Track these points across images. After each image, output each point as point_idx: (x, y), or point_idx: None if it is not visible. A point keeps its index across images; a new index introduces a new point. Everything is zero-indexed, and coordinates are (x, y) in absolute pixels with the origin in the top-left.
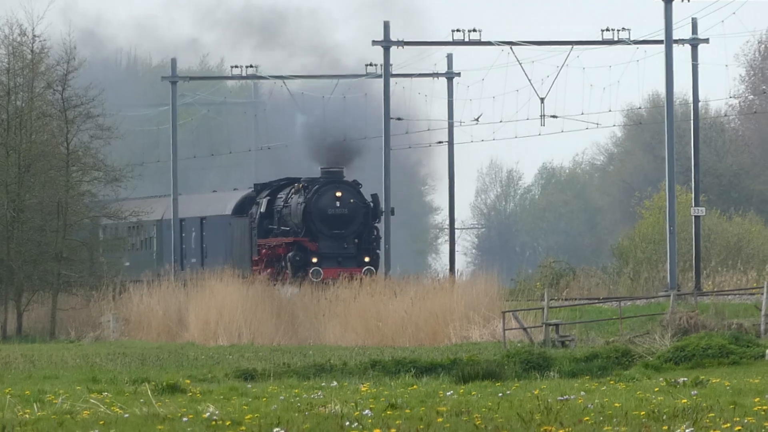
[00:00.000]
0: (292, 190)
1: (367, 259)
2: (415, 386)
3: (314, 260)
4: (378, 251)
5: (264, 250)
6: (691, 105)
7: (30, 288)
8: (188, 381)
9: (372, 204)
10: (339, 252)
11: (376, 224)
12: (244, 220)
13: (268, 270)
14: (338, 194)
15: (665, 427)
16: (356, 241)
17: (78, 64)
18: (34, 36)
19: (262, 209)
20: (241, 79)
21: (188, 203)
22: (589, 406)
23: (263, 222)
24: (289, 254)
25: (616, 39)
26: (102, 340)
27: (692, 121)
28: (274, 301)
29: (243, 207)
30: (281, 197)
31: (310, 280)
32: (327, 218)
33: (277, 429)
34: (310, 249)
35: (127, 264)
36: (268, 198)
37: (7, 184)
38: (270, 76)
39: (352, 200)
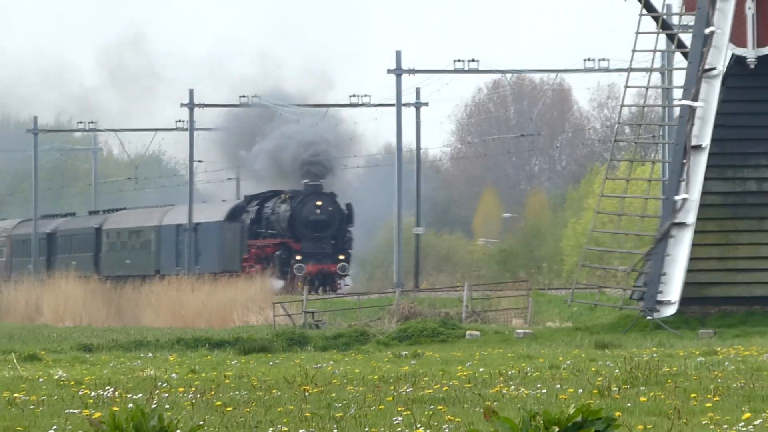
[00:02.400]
0: (279, 200)
1: (341, 257)
2: (209, 357)
3: (298, 258)
4: (350, 251)
5: (253, 250)
6: (415, 151)
7: None
8: (43, 352)
9: (346, 212)
10: (318, 251)
11: (349, 228)
12: (236, 225)
13: (257, 266)
14: (318, 203)
15: (392, 387)
16: (332, 242)
17: None
18: None
19: (253, 216)
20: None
21: (183, 212)
22: (336, 372)
23: (253, 226)
24: (277, 253)
25: (360, 103)
26: None
27: (416, 164)
28: (105, 294)
29: (234, 214)
30: (269, 206)
31: (293, 273)
32: (309, 223)
33: (108, 387)
34: (294, 248)
35: (128, 262)
36: (258, 207)
37: None
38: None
39: (330, 208)
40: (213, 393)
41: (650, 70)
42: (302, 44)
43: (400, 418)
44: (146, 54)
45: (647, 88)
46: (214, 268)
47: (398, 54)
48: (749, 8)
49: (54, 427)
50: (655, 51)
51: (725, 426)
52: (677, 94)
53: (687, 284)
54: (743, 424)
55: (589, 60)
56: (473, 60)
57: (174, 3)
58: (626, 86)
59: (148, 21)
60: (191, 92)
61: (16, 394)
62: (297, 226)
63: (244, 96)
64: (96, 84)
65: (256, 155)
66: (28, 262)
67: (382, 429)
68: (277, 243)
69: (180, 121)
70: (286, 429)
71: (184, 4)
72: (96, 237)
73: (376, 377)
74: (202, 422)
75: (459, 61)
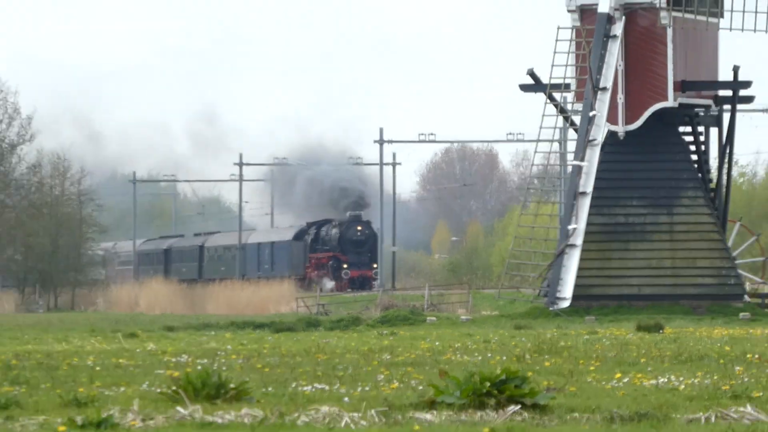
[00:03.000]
0: (331, 225)
1: (375, 266)
2: (252, 334)
3: (345, 266)
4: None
5: (314, 261)
6: (392, 195)
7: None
8: (140, 331)
9: (377, 234)
10: (359, 261)
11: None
12: (301, 243)
13: (316, 272)
14: (359, 228)
15: (376, 355)
16: (369, 254)
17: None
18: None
19: (312, 236)
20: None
21: (261, 234)
22: (339, 345)
23: (313, 244)
24: (330, 263)
25: (354, 162)
26: (96, 311)
27: (393, 204)
28: (183, 291)
29: (299, 236)
30: (324, 230)
31: (342, 277)
32: (353, 242)
33: (183, 355)
34: (342, 259)
35: (223, 269)
36: (315, 230)
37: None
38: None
39: (366, 231)
40: (255, 359)
41: (552, 140)
42: (329, 118)
43: (381, 376)
44: (216, 126)
45: (549, 153)
46: (285, 274)
47: (381, 130)
48: (620, 98)
49: (146, 383)
50: (555, 127)
51: (603, 382)
52: (570, 157)
53: (577, 286)
54: (615, 381)
55: (510, 133)
56: (432, 133)
57: (241, 83)
58: (536, 152)
59: (220, 98)
60: (240, 156)
61: (121, 360)
62: (345, 243)
63: (277, 158)
64: (180, 148)
65: (299, 195)
66: (149, 270)
67: (369, 383)
68: (330, 255)
69: (233, 174)
70: (305, 383)
71: (248, 85)
72: (200, 251)
73: (366, 348)
74: (247, 379)
75: (422, 134)
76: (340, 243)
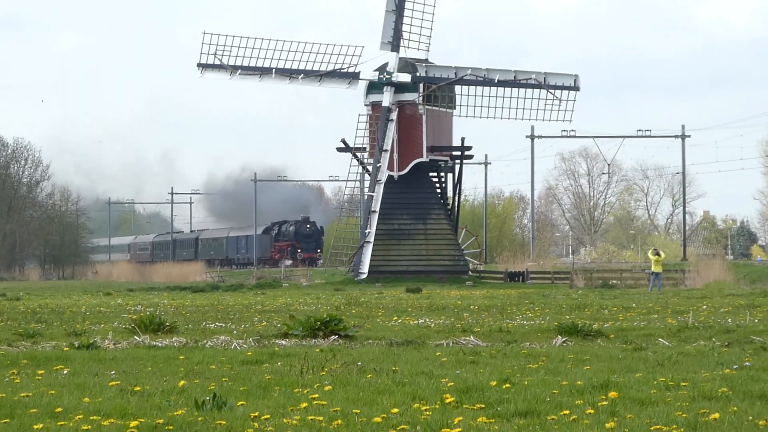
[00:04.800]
0: (289, 224)
1: (319, 251)
2: (179, 293)
3: (299, 251)
4: (322, 247)
5: (277, 247)
6: None
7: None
8: (113, 291)
9: (321, 229)
10: (308, 247)
11: (322, 238)
12: (268, 236)
13: (279, 255)
14: (308, 226)
15: (252, 306)
16: (315, 243)
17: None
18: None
19: (276, 231)
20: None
21: (240, 230)
22: (232, 301)
23: (276, 236)
24: (288, 249)
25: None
26: (87, 279)
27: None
28: (149, 269)
29: (266, 231)
30: (284, 227)
31: (297, 258)
32: (304, 235)
33: (139, 305)
34: (297, 246)
35: (212, 253)
36: (278, 227)
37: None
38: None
39: (313, 228)
40: (181, 308)
41: (355, 180)
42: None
43: (256, 319)
44: (167, 167)
45: (354, 188)
46: (257, 256)
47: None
48: (395, 156)
49: (116, 322)
50: (357, 173)
51: (386, 322)
52: (366, 190)
53: (371, 265)
54: (393, 321)
55: (331, 175)
56: (285, 175)
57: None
58: (346, 186)
59: (178, 145)
60: (172, 188)
61: (101, 309)
62: (299, 236)
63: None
64: (140, 182)
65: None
66: (161, 254)
67: (248, 323)
68: (289, 244)
69: (174, 193)
70: (210, 322)
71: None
72: (196, 241)
73: (246, 302)
74: (176, 320)
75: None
76: (295, 236)
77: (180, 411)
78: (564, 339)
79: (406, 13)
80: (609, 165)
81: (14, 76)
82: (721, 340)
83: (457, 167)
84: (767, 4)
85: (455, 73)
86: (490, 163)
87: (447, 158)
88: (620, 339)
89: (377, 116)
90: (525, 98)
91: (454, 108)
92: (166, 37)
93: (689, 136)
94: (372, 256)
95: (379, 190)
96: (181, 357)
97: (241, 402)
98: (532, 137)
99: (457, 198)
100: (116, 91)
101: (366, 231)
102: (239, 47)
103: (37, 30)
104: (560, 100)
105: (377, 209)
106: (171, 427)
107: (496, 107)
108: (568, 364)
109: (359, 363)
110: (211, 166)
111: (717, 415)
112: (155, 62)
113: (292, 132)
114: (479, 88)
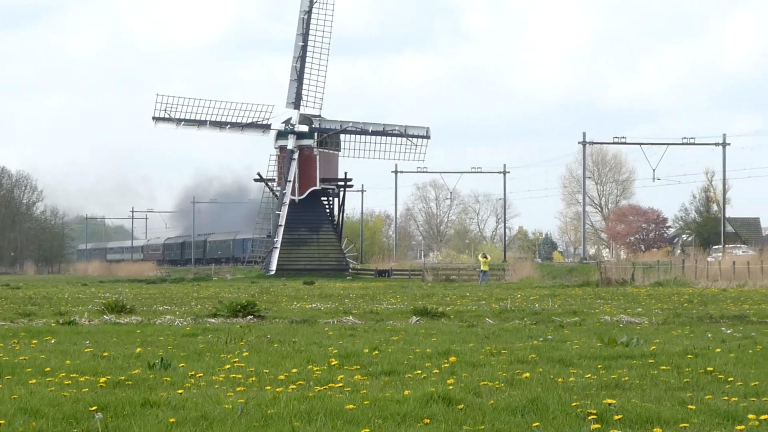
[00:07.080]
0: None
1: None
2: (137, 284)
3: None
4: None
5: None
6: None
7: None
8: (88, 283)
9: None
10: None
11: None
12: (269, 239)
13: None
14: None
15: (191, 293)
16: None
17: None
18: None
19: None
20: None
21: (245, 233)
22: (197, 289)
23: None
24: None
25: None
26: (69, 274)
27: None
28: (106, 265)
29: (268, 235)
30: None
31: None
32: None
33: (107, 293)
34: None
35: (219, 252)
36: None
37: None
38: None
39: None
40: (138, 295)
41: (267, 202)
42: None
43: (193, 303)
44: (127, 191)
45: (266, 208)
46: (259, 255)
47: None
48: (297, 185)
49: (91, 305)
50: (269, 197)
51: (289, 306)
52: (275, 210)
53: (278, 264)
54: (294, 306)
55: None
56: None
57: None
58: (261, 207)
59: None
60: (132, 208)
61: (80, 295)
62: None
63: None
64: (112, 201)
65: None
66: (172, 254)
67: (187, 306)
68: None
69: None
70: (160, 305)
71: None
72: (204, 243)
73: (186, 291)
74: (135, 304)
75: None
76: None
77: (137, 370)
78: (417, 318)
79: (305, 81)
80: (451, 193)
81: (17, 125)
82: (531, 320)
83: (342, 193)
84: (571, 75)
85: (341, 125)
86: (365, 191)
87: (334, 187)
88: (458, 318)
89: (284, 156)
90: (391, 143)
91: (340, 150)
92: (132, 97)
93: (509, 172)
94: (279, 257)
95: (284, 210)
96: (138, 331)
97: (182, 364)
98: (396, 172)
99: (341, 216)
100: (92, 138)
101: (275, 239)
102: (183, 105)
103: (28, 90)
104: (416, 145)
105: (283, 223)
106: (130, 383)
107: (370, 150)
108: (420, 337)
109: (268, 336)
110: (165, 189)
111: (528, 374)
112: (123, 116)
113: (222, 165)
114: (358, 136)
